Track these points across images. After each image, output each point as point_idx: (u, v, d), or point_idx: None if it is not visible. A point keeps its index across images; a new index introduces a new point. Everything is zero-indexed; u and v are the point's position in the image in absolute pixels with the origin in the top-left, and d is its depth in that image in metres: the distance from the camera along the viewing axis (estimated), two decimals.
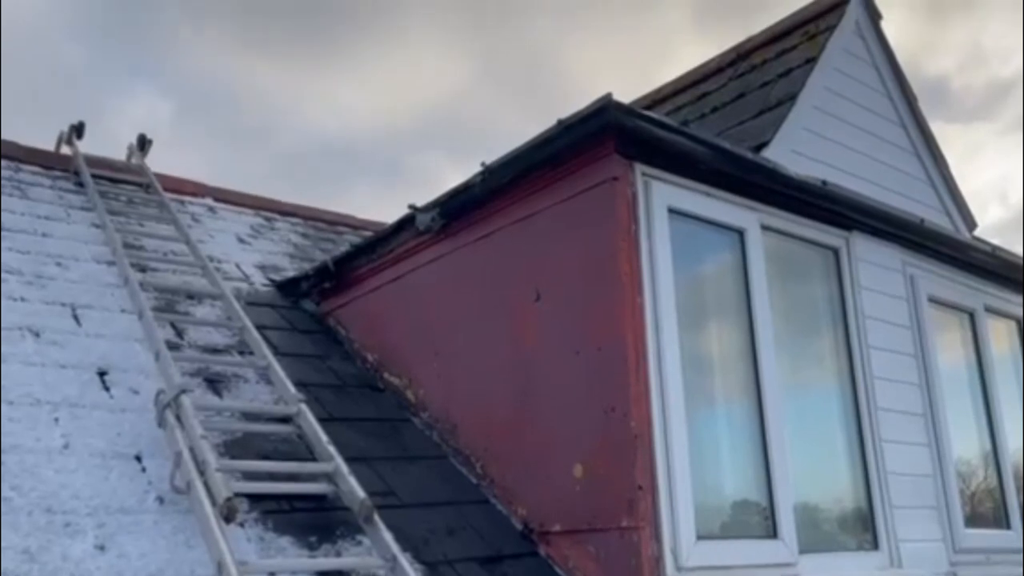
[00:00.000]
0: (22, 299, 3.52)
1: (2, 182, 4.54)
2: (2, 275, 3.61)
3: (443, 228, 3.74)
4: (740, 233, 3.49)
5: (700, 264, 3.47)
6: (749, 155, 3.51)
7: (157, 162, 5.48)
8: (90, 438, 2.83)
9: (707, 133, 3.51)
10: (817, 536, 3.44)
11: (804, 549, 3.22)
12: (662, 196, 3.23)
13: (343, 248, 4.95)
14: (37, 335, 3.30)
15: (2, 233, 3.99)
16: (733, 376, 3.39)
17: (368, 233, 5.37)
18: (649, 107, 4.86)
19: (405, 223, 3.88)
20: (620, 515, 2.86)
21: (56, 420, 2.85)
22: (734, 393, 3.39)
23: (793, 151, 3.89)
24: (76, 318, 3.55)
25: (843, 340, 3.84)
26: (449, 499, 3.30)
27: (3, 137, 5.00)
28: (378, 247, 4.11)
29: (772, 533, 3.17)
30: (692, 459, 2.98)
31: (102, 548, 2.36)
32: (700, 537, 2.91)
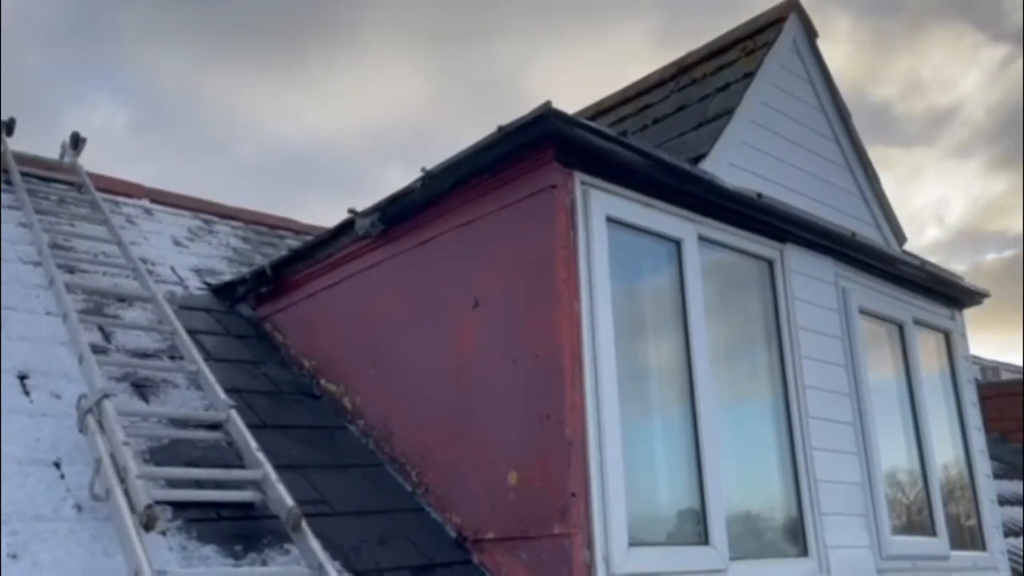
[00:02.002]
0: None
1: None
2: None
3: (383, 233, 3.71)
4: (677, 243, 3.53)
5: (638, 273, 3.50)
6: (686, 166, 3.56)
7: (113, 171, 5.39)
8: (6, 443, 2.72)
9: (645, 144, 3.55)
10: (748, 543, 3.48)
11: (735, 555, 3.26)
12: (601, 205, 3.25)
13: (283, 252, 4.87)
14: None
15: None
16: (668, 384, 3.42)
17: (311, 238, 5.30)
18: (592, 118, 4.90)
19: (344, 228, 3.84)
20: (553, 522, 2.86)
21: None
22: (669, 401, 3.42)
23: (730, 164, 3.96)
24: None
25: (776, 350, 3.90)
26: (383, 507, 3.26)
27: None
28: (317, 252, 4.06)
29: (704, 540, 3.20)
30: (626, 466, 2.99)
31: (14, 556, 2.27)
32: (632, 544, 2.92)
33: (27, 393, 3.04)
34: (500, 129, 3.16)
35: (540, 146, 3.13)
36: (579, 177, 3.22)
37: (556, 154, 3.14)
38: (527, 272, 3.16)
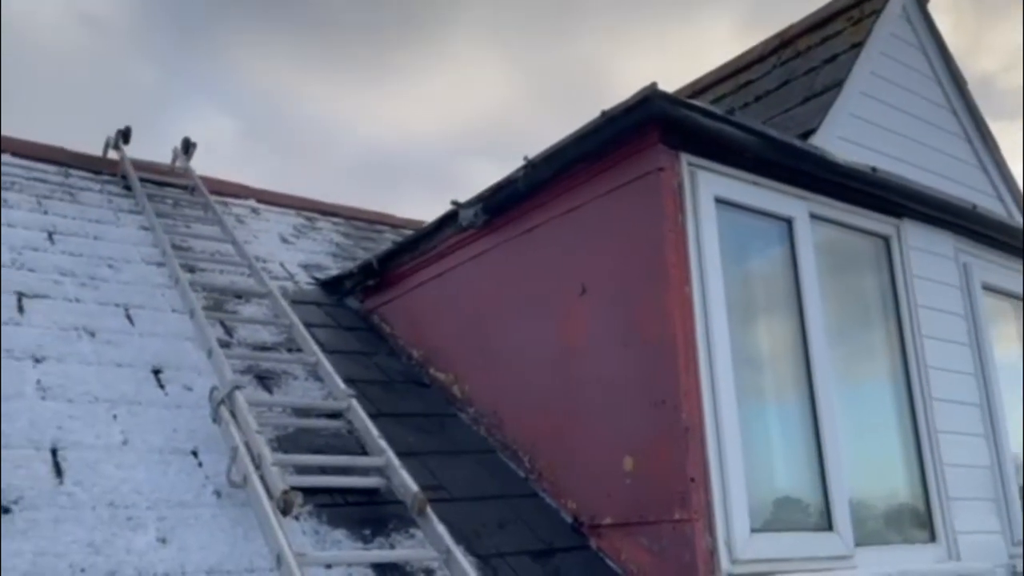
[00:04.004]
0: (77, 300, 3.59)
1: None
2: (55, 275, 3.68)
3: (486, 224, 3.74)
4: (788, 222, 3.44)
5: (748, 254, 3.42)
6: (797, 143, 3.46)
7: (218, 175, 5.61)
8: (148, 434, 2.87)
9: (754, 121, 3.47)
10: (873, 529, 3.38)
11: (860, 542, 3.17)
12: (709, 186, 3.20)
13: (384, 246, 4.98)
14: (93, 335, 3.37)
15: (53, 235, 4.09)
16: (784, 367, 3.35)
17: (408, 232, 5.40)
18: (690, 97, 4.81)
19: (448, 220, 3.89)
20: (672, 508, 2.84)
21: (114, 417, 2.91)
22: (786, 384, 3.35)
23: (840, 138, 3.83)
24: (129, 318, 3.62)
25: (896, 330, 3.76)
26: (498, 493, 3.30)
27: (64, 146, 5.16)
28: (421, 244, 4.13)
29: (827, 526, 3.12)
30: (744, 451, 2.94)
31: (164, 541, 2.40)
32: (754, 530, 2.88)
33: (162, 386, 3.20)
34: (603, 114, 3.13)
35: (645, 129, 3.09)
36: (685, 159, 3.17)
37: (661, 136, 3.10)
38: (635, 257, 3.14)
